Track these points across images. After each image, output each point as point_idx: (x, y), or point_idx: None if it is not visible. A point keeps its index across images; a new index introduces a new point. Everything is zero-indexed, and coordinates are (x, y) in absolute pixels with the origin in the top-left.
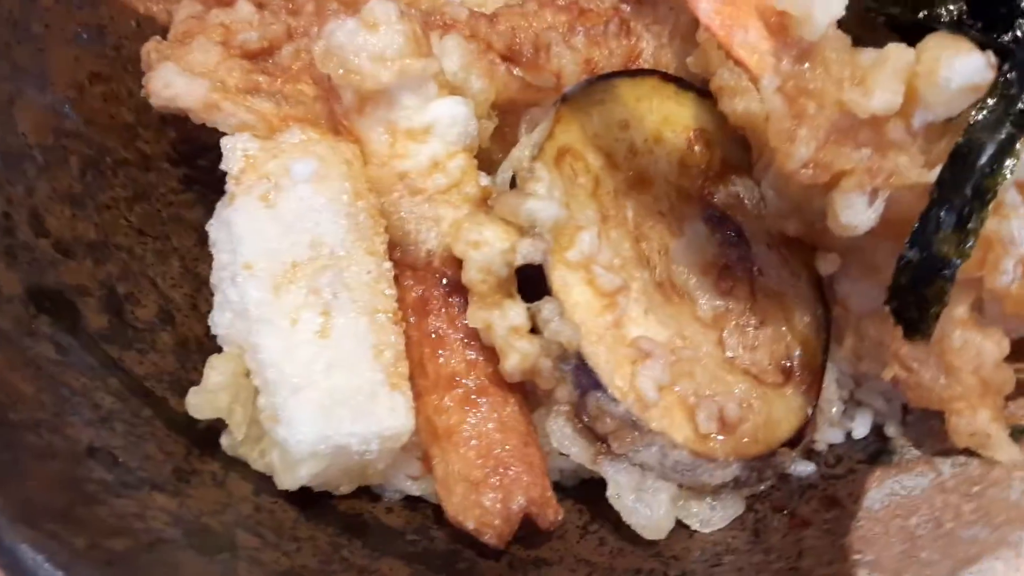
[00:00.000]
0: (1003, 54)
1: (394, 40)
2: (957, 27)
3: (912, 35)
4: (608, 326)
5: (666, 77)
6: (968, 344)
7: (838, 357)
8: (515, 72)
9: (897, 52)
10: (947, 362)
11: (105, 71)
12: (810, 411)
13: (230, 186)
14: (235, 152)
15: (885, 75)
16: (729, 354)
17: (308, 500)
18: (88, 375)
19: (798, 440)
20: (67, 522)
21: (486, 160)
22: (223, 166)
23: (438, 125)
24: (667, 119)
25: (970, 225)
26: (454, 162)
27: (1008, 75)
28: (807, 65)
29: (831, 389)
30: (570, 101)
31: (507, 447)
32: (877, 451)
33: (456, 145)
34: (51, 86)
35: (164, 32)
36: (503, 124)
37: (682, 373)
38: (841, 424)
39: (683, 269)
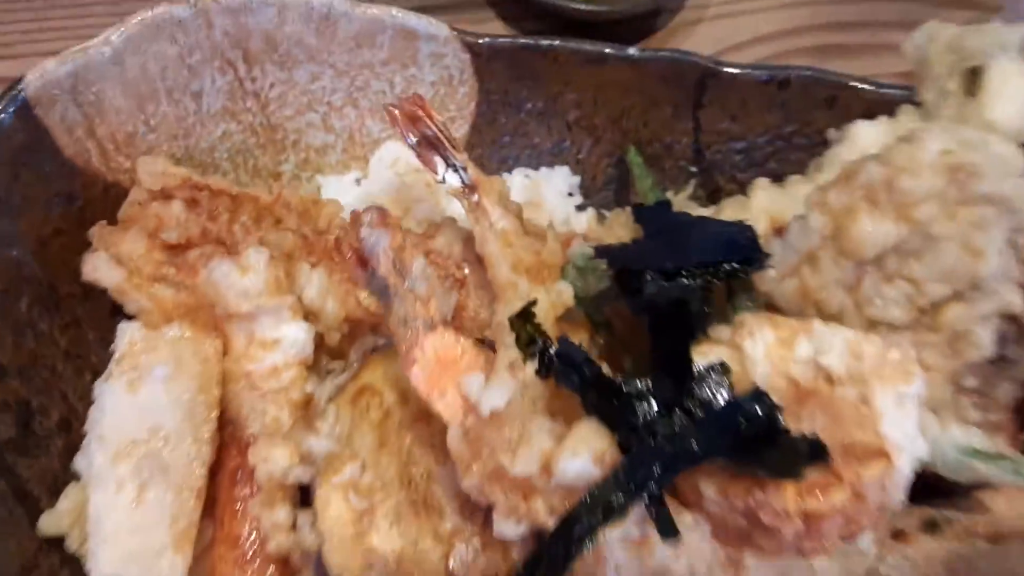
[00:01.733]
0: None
1: (257, 283)
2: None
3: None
4: (352, 536)
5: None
6: None
7: None
8: (363, 299)
9: (541, 435)
10: None
11: (68, 227)
12: None
13: (111, 366)
14: (123, 338)
15: (529, 454)
16: (451, 564)
17: None
18: None
19: None
20: None
21: (338, 353)
22: (113, 347)
23: (283, 342)
24: None
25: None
26: (288, 373)
27: (618, 473)
28: (484, 423)
29: None
30: (381, 351)
31: None
32: None
33: (293, 360)
34: (19, 243)
35: (126, 192)
36: (350, 334)
37: None
38: None
39: (440, 489)
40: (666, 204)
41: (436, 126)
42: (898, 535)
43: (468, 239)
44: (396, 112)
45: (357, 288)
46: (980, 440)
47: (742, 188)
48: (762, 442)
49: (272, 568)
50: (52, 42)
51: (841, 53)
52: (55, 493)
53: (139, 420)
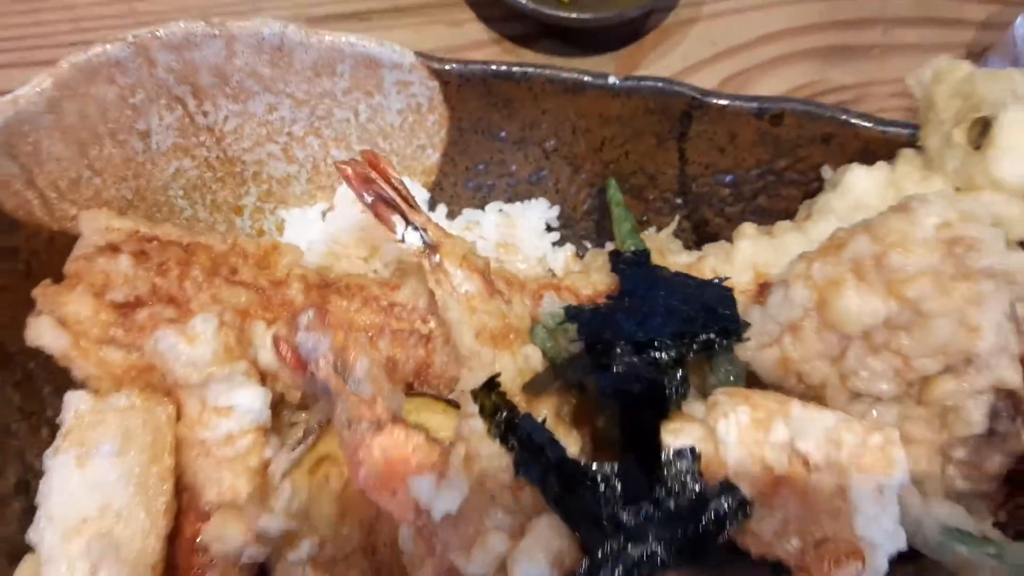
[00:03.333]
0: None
1: (205, 353)
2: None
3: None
4: None
5: (437, 397)
6: None
7: None
8: None
9: (496, 536)
10: None
11: (12, 283)
12: None
13: (58, 440)
14: (69, 410)
15: (484, 555)
16: None
17: None
18: None
19: None
20: None
21: (303, 405)
22: (60, 419)
23: (237, 409)
24: (430, 429)
25: None
26: (243, 440)
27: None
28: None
29: None
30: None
31: None
32: None
33: (249, 426)
34: None
35: (73, 239)
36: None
37: None
38: None
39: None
40: (644, 254)
41: (392, 184)
42: None
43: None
44: (348, 171)
45: None
46: (964, 519)
47: (730, 222)
48: (729, 548)
49: None
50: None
51: (848, 56)
52: (14, 559)
53: (89, 497)
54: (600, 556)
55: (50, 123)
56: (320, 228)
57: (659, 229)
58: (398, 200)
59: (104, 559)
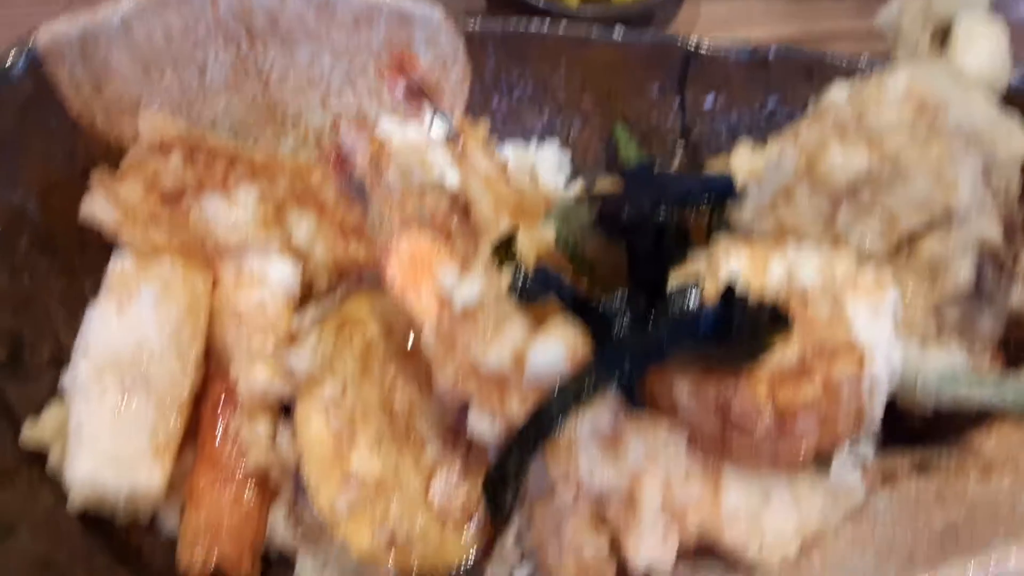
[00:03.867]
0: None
1: (246, 217)
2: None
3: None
4: (329, 454)
5: None
6: (575, 538)
7: (522, 516)
8: (351, 247)
9: (513, 329)
10: (561, 546)
11: (68, 182)
12: (477, 553)
13: (101, 291)
14: (116, 266)
15: (502, 345)
16: (431, 495)
17: (95, 522)
18: None
19: (462, 571)
20: None
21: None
22: (106, 272)
23: (271, 278)
24: None
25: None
26: (274, 307)
27: (589, 365)
28: (458, 320)
29: (510, 542)
30: (367, 286)
31: (228, 518)
32: None
33: (279, 295)
34: (21, 188)
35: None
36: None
37: (380, 501)
38: (510, 567)
39: (423, 421)
40: (650, 163)
41: (421, 78)
42: (888, 477)
43: (455, 198)
44: (385, 66)
45: (346, 238)
46: (962, 362)
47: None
48: (729, 325)
49: (251, 486)
50: None
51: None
52: None
53: (125, 338)
54: (610, 348)
55: (122, 41)
56: None
57: None
58: (428, 89)
59: (135, 389)
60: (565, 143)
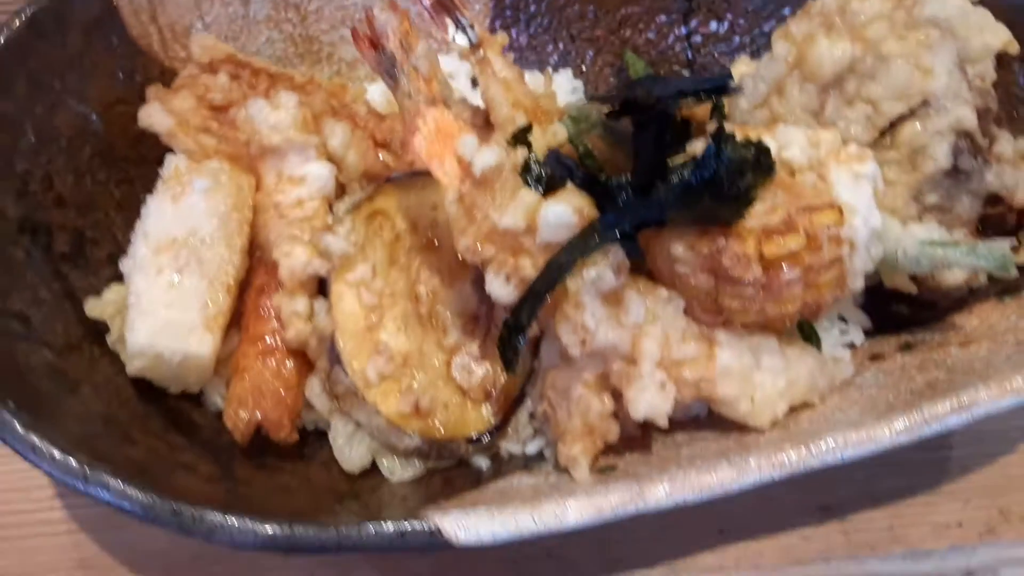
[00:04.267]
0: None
1: (287, 118)
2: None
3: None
4: (361, 328)
5: None
6: (582, 399)
7: (534, 396)
8: (381, 156)
9: (526, 195)
10: (570, 409)
11: (128, 99)
12: (496, 425)
13: (158, 184)
14: (170, 164)
15: (516, 207)
16: (453, 372)
17: (149, 390)
18: (39, 275)
19: (480, 441)
20: None
21: None
22: (161, 172)
23: (309, 178)
24: None
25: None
26: (311, 204)
27: (595, 222)
28: (477, 186)
29: (524, 417)
30: (395, 181)
31: (272, 386)
32: (536, 461)
33: (317, 193)
34: (87, 102)
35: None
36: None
37: (407, 373)
38: (523, 443)
39: (445, 309)
40: (654, 75)
41: None
42: (876, 357)
43: (476, 109)
44: None
45: (376, 148)
46: (940, 233)
47: None
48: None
49: (290, 360)
50: None
51: None
52: None
53: (180, 223)
54: (613, 209)
55: None
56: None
57: None
58: (450, 4)
59: (188, 267)
60: (579, 74)
